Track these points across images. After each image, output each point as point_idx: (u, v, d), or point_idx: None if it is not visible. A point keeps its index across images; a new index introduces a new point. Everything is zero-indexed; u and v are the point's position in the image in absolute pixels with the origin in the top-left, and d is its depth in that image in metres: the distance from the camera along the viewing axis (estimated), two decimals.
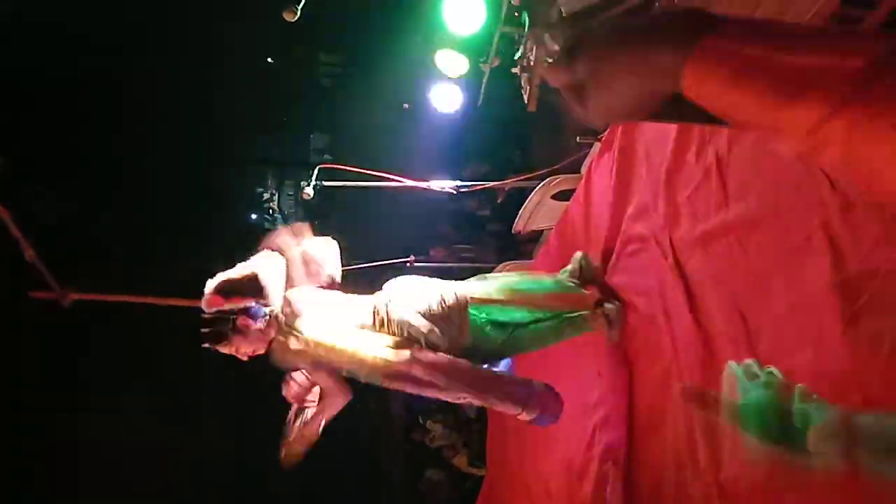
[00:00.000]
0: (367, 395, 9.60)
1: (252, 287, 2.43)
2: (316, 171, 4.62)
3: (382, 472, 9.72)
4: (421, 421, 8.15)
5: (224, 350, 2.52)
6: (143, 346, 8.50)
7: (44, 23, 7.86)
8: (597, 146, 3.69)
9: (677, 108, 0.59)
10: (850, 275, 1.60)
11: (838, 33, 0.53)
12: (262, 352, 2.56)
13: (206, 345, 2.50)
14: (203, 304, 2.44)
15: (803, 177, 1.78)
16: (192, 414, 8.97)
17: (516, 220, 5.54)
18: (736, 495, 1.96)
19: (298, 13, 3.78)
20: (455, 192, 4.73)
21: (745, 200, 2.09)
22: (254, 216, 15.38)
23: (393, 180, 4.53)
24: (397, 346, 2.45)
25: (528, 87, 5.09)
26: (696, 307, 2.30)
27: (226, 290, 2.42)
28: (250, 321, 2.47)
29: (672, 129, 2.56)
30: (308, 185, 4.59)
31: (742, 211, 2.09)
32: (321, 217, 13.01)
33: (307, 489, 9.55)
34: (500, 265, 5.47)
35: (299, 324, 2.45)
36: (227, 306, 2.43)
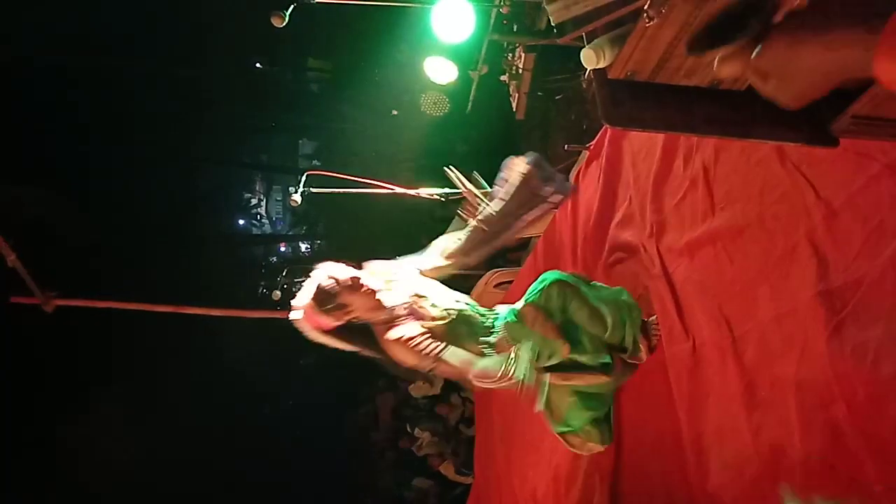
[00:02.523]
0: (356, 402, 9.55)
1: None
2: (304, 178, 4.59)
3: (369, 480, 9.66)
4: (409, 429, 8.11)
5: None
6: (127, 351, 8.42)
7: (32, 22, 7.80)
8: (585, 154, 3.70)
9: None
10: (834, 284, 1.61)
11: None
12: None
13: None
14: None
15: (789, 186, 1.80)
16: (175, 416, 8.88)
17: None
18: (721, 502, 1.97)
19: (287, 19, 3.76)
20: (443, 199, 4.71)
21: (731, 209, 2.11)
22: (241, 221, 15.32)
23: (381, 187, 4.50)
24: None
25: (517, 95, 5.11)
26: (683, 315, 2.31)
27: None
28: None
29: (659, 138, 2.58)
30: (296, 191, 4.55)
31: (728, 220, 2.11)
32: (309, 223, 12.99)
33: (291, 497, 9.47)
34: (488, 273, 5.46)
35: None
36: None
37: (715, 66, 0.80)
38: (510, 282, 5.18)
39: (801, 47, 0.63)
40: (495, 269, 5.58)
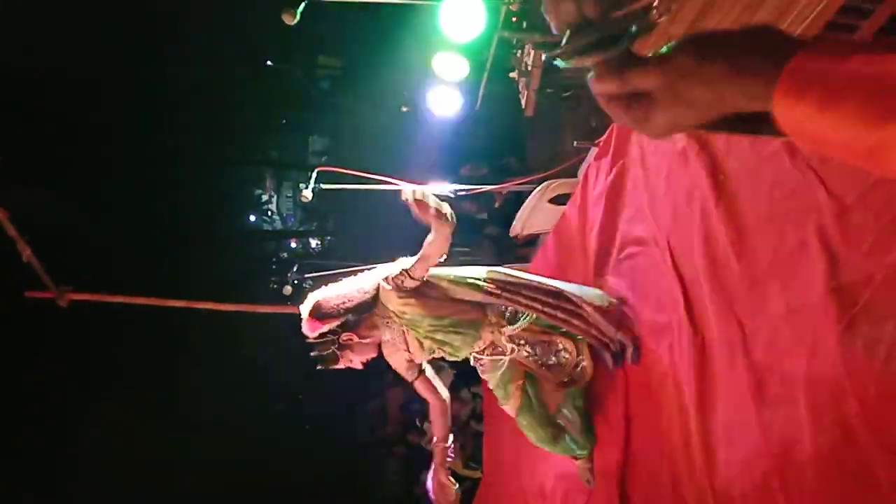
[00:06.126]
0: (365, 397, 9.59)
1: (343, 307, 2.43)
2: (314, 174, 4.62)
3: (378, 474, 9.71)
4: (418, 423, 8.14)
5: (339, 367, 2.54)
6: (138, 346, 8.49)
7: (45, 25, 7.87)
8: (594, 151, 3.70)
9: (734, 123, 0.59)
10: (845, 281, 1.60)
11: None
12: (374, 356, 2.60)
13: (319, 367, 2.52)
14: (305, 331, 2.46)
15: (799, 182, 1.79)
16: (186, 412, 8.95)
17: (513, 223, 5.53)
18: (731, 500, 1.97)
19: (297, 16, 3.79)
20: (452, 195, 4.73)
21: (741, 205, 2.10)
22: (252, 217, 15.39)
23: (390, 183, 4.53)
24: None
25: (526, 92, 5.11)
26: (693, 311, 2.31)
27: (318, 314, 2.42)
28: (353, 336, 2.48)
29: None
30: (306, 187, 4.59)
31: (738, 215, 2.10)
32: (319, 219, 13.03)
33: (302, 492, 9.52)
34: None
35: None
36: (326, 328, 2.44)
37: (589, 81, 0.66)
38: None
39: (708, 65, 0.56)
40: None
